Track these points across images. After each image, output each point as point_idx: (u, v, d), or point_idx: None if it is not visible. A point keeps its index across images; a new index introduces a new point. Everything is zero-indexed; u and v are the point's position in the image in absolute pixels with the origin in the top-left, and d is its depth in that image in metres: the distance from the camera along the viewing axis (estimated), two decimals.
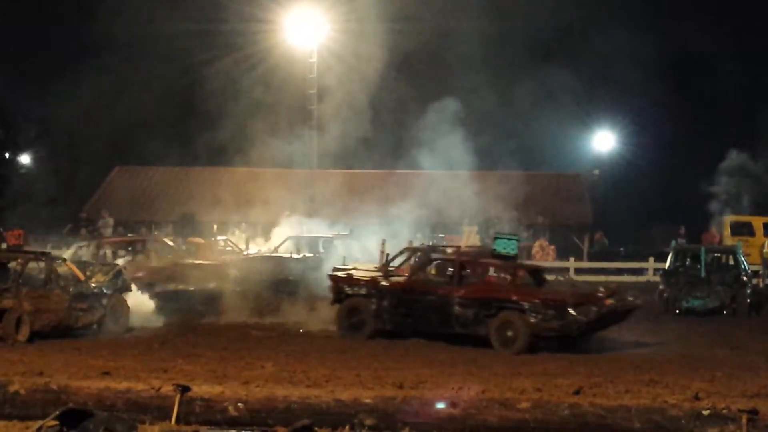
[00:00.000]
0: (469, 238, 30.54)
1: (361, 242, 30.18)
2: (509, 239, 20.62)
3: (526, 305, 18.86)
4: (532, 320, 18.74)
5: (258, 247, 35.11)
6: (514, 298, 19.13)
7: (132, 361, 16.04)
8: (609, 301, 19.44)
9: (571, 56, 36.30)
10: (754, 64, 51.04)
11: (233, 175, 46.53)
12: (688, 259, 27.94)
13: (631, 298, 20.78)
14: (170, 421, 11.54)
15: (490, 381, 14.78)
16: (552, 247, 33.06)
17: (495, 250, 20.44)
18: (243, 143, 39.29)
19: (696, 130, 51.94)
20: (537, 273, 21.37)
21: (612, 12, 46.83)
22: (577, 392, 13.48)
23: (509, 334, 18.86)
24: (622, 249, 32.16)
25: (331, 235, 32.34)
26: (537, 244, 33.46)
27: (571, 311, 18.63)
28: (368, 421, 11.52)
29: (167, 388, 11.94)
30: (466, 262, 20.82)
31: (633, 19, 49.26)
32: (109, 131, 45.37)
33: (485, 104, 32.53)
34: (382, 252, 24.30)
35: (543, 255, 32.60)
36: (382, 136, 36.36)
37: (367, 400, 11.79)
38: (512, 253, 20.37)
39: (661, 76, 49.60)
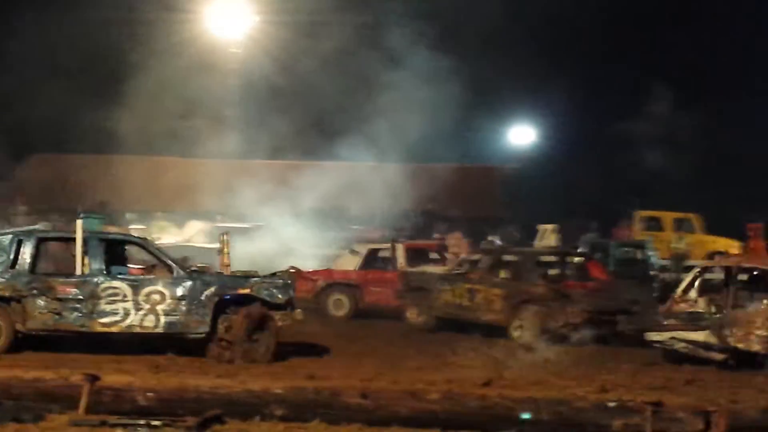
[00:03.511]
0: (544, 236, 30.33)
1: (277, 234, 30.25)
2: (94, 218, 23.15)
3: None
4: None
5: (173, 238, 35.00)
6: None
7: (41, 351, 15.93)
8: None
9: (488, 48, 36.44)
10: (679, 60, 51.61)
11: (153, 164, 46.12)
12: (599, 254, 28.37)
13: None
14: (79, 411, 11.45)
15: (401, 372, 14.92)
16: (466, 240, 33.20)
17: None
18: (163, 132, 39.03)
19: (613, 125, 52.44)
20: None
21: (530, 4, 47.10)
22: (486, 384, 13.65)
23: None
24: (534, 243, 32.45)
25: (248, 226, 32.34)
26: (451, 237, 33.61)
27: None
28: (279, 412, 11.53)
29: (76, 378, 11.83)
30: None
31: (549, 12, 49.51)
32: (24, 119, 44.65)
33: (404, 96, 32.60)
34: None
35: (458, 248, 32.72)
36: (305, 127, 36.32)
37: (278, 391, 11.80)
38: None
39: (578, 71, 50.10)
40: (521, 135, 54.68)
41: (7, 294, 16.08)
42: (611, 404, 11.45)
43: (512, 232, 37.02)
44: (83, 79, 42.90)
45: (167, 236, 35.70)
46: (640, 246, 30.21)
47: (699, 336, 17.02)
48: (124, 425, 11.02)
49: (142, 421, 11.09)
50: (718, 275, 18.98)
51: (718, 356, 16.77)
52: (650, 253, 29.11)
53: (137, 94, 37.86)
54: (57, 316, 16.03)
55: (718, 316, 17.09)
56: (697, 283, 17.93)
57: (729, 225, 39.42)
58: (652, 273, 27.38)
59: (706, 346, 16.96)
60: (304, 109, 35.52)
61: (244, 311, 15.98)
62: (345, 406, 11.61)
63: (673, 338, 17.31)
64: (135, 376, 12.56)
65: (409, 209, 37.22)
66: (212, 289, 16.12)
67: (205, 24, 40.50)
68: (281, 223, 30.40)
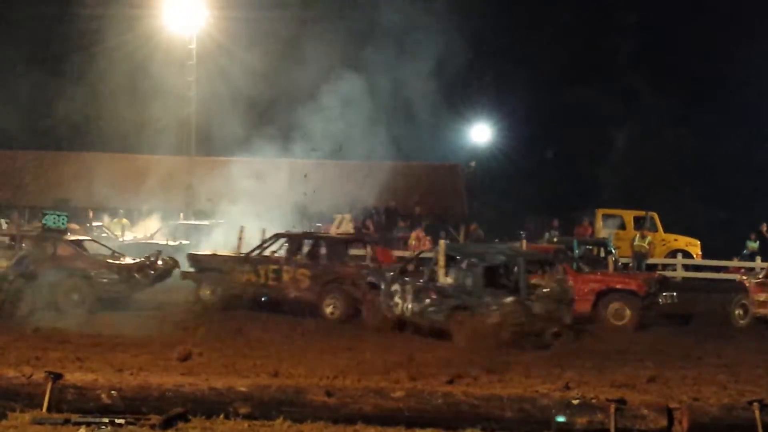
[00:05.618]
0: (341, 224, 31.08)
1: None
2: (59, 215, 23.47)
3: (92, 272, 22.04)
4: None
5: (134, 234, 34.84)
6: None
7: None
8: (158, 265, 23.37)
9: (447, 48, 36.45)
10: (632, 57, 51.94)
11: (108, 161, 45.85)
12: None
13: (168, 259, 24.09)
14: (41, 409, 11.37)
15: (365, 370, 14.90)
16: (428, 237, 33.20)
17: (45, 224, 23.17)
18: (119, 129, 38.83)
19: (568, 122, 52.76)
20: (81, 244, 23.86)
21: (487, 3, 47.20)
22: (450, 381, 13.66)
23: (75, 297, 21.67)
24: (497, 240, 32.58)
25: (207, 223, 32.27)
26: (413, 234, 33.58)
27: (136, 275, 22.57)
28: (243, 410, 11.50)
29: (39, 375, 11.75)
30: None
31: (507, 11, 49.70)
32: None
33: (362, 94, 32.57)
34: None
35: (419, 245, 32.81)
36: (262, 124, 36.22)
37: (242, 389, 11.75)
38: (62, 227, 23.34)
39: (533, 70, 50.30)
40: (482, 133, 54.81)
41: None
42: (575, 401, 11.48)
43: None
44: (38, 75, 42.59)
45: (128, 233, 35.54)
46: (602, 244, 30.44)
47: None
48: (88, 423, 10.96)
49: (105, 420, 11.03)
50: None
51: None
52: (611, 250, 29.31)
53: (94, 90, 37.66)
54: None
55: None
56: None
57: (683, 223, 39.68)
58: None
59: None
60: (263, 106, 35.44)
61: None
62: (309, 404, 11.58)
63: None
64: (98, 374, 12.46)
65: (372, 206, 37.22)
66: None
67: (160, 20, 40.22)
68: (242, 221, 30.33)
